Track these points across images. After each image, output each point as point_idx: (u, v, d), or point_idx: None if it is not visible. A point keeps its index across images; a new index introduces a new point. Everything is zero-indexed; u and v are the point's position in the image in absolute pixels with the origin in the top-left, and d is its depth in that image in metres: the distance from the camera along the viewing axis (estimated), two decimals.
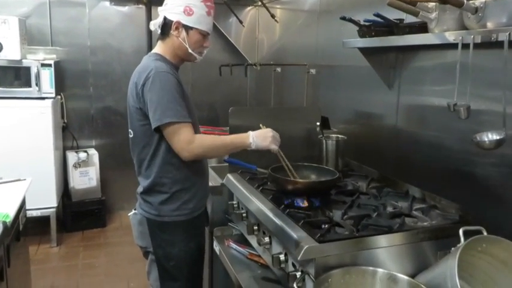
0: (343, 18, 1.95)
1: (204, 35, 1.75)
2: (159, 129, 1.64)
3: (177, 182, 1.74)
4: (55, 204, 3.52)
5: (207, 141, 1.69)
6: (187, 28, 1.71)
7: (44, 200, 3.44)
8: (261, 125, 1.81)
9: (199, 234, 1.87)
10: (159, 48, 1.80)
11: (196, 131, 1.78)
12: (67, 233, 3.78)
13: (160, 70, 1.64)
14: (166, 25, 1.74)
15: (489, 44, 1.32)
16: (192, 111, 1.75)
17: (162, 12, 1.75)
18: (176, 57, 1.78)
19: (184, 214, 1.77)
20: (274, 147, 1.73)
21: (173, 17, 1.71)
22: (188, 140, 1.63)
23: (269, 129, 1.75)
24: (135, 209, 1.86)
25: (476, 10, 1.34)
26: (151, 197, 1.76)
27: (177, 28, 1.71)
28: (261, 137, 1.71)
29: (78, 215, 3.82)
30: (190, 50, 1.74)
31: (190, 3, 1.69)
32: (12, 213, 1.83)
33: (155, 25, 1.78)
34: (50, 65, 3.48)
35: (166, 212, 1.75)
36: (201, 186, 1.83)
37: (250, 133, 1.72)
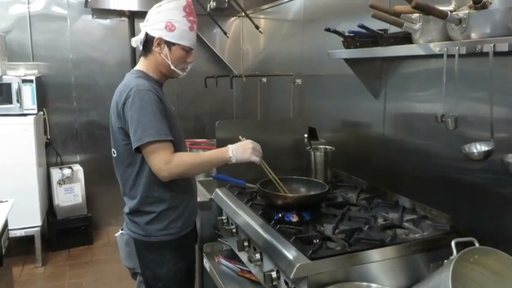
0: (328, 30, 1.95)
1: (187, 50, 1.73)
2: (139, 149, 1.61)
3: (163, 201, 1.70)
4: (39, 223, 3.43)
5: (186, 160, 1.64)
6: (169, 44, 1.69)
7: (28, 219, 3.35)
8: (240, 137, 1.77)
9: (188, 253, 1.82)
10: (141, 64, 1.77)
11: (182, 147, 1.75)
12: (52, 252, 3.68)
13: (140, 88, 1.61)
14: (148, 41, 1.71)
15: (474, 53, 1.33)
16: (175, 128, 1.72)
17: (144, 28, 1.72)
18: (159, 73, 1.75)
19: (172, 233, 1.73)
20: (256, 158, 1.69)
21: (155, 33, 1.69)
22: (166, 160, 1.58)
23: (249, 141, 1.71)
24: (122, 229, 1.82)
25: (460, 21, 1.34)
26: (137, 217, 1.72)
27: (159, 44, 1.69)
28: (241, 150, 1.67)
29: (64, 233, 3.73)
30: (172, 67, 1.72)
31: (172, 19, 1.67)
32: None
33: (136, 42, 1.76)
34: (31, 81, 3.41)
35: (153, 231, 1.71)
36: (189, 204, 1.79)
37: (230, 147, 1.68)
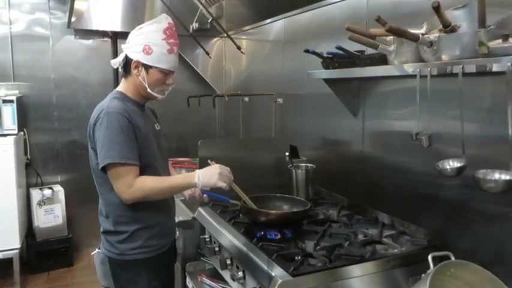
0: (307, 51, 2.01)
1: (165, 73, 1.73)
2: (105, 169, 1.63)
3: (136, 221, 1.70)
4: (18, 246, 3.34)
5: (149, 185, 1.63)
6: (146, 67, 1.70)
7: (6, 242, 3.27)
8: (209, 161, 1.76)
9: (164, 272, 1.81)
10: (122, 85, 1.79)
11: (160, 168, 1.76)
12: (31, 275, 3.59)
13: (110, 110, 1.63)
14: (127, 63, 1.73)
15: (445, 74, 1.39)
16: (151, 149, 1.73)
17: (125, 50, 1.74)
18: (138, 94, 1.77)
19: (146, 252, 1.72)
20: (222, 184, 1.65)
21: (133, 56, 1.70)
22: (128, 184, 1.59)
23: (217, 166, 1.68)
24: (99, 248, 1.81)
25: (431, 44, 1.41)
26: (111, 236, 1.72)
27: (136, 67, 1.70)
28: (207, 176, 1.64)
29: (43, 255, 3.65)
30: (149, 90, 1.72)
31: (150, 42, 1.68)
32: None
33: (115, 64, 1.77)
34: (11, 101, 3.38)
35: (126, 250, 1.70)
36: (165, 224, 1.79)
37: (197, 172, 1.66)
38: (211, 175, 1.64)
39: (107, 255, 1.73)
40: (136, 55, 1.69)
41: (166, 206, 1.82)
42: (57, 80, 3.92)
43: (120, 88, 1.79)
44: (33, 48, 3.82)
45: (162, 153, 1.84)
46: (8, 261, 3.32)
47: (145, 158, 1.68)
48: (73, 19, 3.67)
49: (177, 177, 1.77)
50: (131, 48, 1.71)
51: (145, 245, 1.72)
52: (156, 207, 1.74)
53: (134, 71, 1.71)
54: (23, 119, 3.70)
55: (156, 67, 1.70)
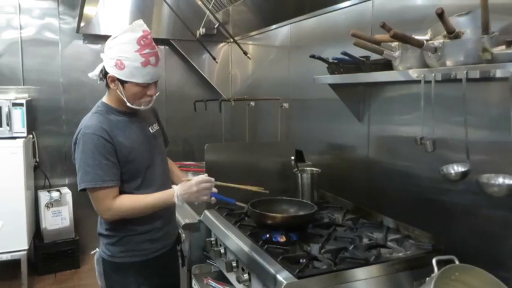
0: (313, 57, 2.04)
1: (143, 86, 1.65)
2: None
3: (123, 229, 1.71)
4: (26, 247, 3.39)
5: (126, 205, 1.64)
6: (122, 81, 1.63)
7: (14, 243, 3.31)
8: (188, 176, 1.74)
9: (156, 277, 1.79)
10: (106, 96, 1.75)
11: (153, 173, 1.74)
12: (39, 277, 3.63)
13: (86, 131, 1.62)
14: (106, 75, 1.66)
15: (449, 79, 1.41)
16: (139, 159, 1.70)
17: (103, 59, 1.67)
18: (124, 105, 1.70)
19: (136, 255, 1.72)
20: (205, 198, 1.66)
21: (108, 69, 1.63)
22: (105, 207, 1.62)
23: (192, 183, 1.64)
24: (99, 248, 1.85)
25: (435, 50, 1.43)
26: (103, 238, 1.76)
27: (112, 81, 1.64)
28: (187, 195, 1.64)
29: (51, 256, 3.68)
30: (128, 104, 1.67)
31: (122, 56, 1.59)
32: None
33: (93, 76, 1.70)
34: (21, 104, 3.44)
35: (116, 253, 1.72)
36: (159, 229, 1.78)
37: (175, 191, 1.65)
38: (189, 195, 1.63)
39: (101, 256, 1.77)
40: (110, 69, 1.62)
41: (162, 213, 1.77)
42: (66, 84, 3.97)
43: (104, 99, 1.75)
44: (43, 53, 3.88)
45: (158, 155, 1.81)
46: (16, 262, 3.36)
47: (132, 169, 1.68)
48: (82, 24, 3.72)
49: (156, 196, 1.69)
50: (106, 61, 1.64)
51: (135, 248, 1.72)
52: (149, 216, 1.72)
53: (111, 85, 1.66)
54: (32, 122, 3.76)
55: (131, 82, 1.63)
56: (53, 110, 3.95)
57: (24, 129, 3.45)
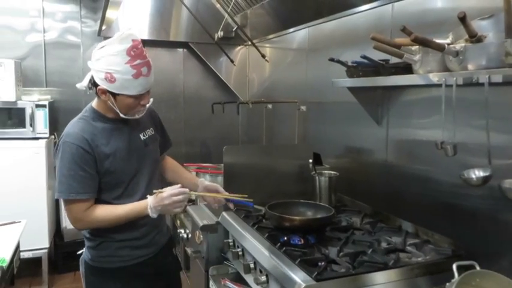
0: (332, 60, 2.04)
1: (136, 97, 1.59)
2: None
3: (102, 235, 1.69)
4: (47, 245, 3.47)
5: (98, 217, 1.61)
6: (113, 94, 1.57)
7: (36, 241, 3.39)
8: (154, 192, 1.65)
9: (135, 284, 1.75)
10: (95, 102, 1.68)
11: (139, 184, 1.71)
12: (58, 275, 3.71)
13: (66, 139, 1.58)
14: (95, 85, 1.58)
15: (471, 83, 1.40)
16: (119, 173, 1.65)
17: (91, 69, 1.59)
18: (112, 112, 1.64)
19: (115, 261, 1.70)
20: (177, 211, 1.63)
21: (98, 81, 1.55)
22: (77, 218, 1.60)
23: (165, 195, 1.61)
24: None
25: (457, 53, 1.42)
26: (86, 240, 1.75)
27: (103, 93, 1.58)
28: (160, 207, 1.61)
29: (70, 255, 3.72)
30: (121, 115, 1.62)
31: (111, 69, 1.51)
32: (8, 257, 1.82)
33: (81, 87, 1.63)
34: (44, 106, 3.52)
35: (96, 257, 1.72)
36: (139, 238, 1.74)
37: (148, 204, 1.62)
38: (162, 207, 1.61)
39: (84, 258, 1.77)
40: (100, 81, 1.55)
41: (146, 221, 1.73)
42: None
43: (94, 103, 1.68)
44: (65, 55, 3.98)
45: (147, 164, 1.76)
46: (37, 260, 3.44)
47: (113, 180, 1.65)
48: (103, 27, 3.79)
49: (129, 209, 1.65)
50: (94, 72, 1.57)
51: (113, 254, 1.70)
52: (131, 224, 1.69)
53: (102, 96, 1.60)
54: (54, 123, 3.84)
55: (123, 94, 1.57)
56: (74, 111, 3.94)
57: (47, 130, 3.54)
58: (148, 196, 1.65)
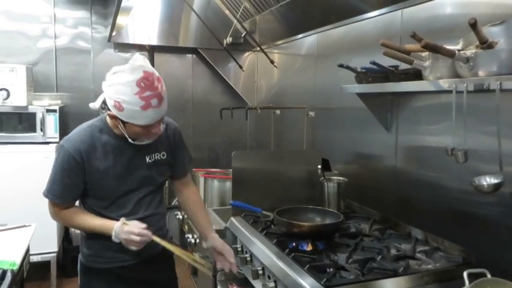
0: (341, 66, 2.04)
1: (145, 126, 1.55)
2: None
3: (88, 233, 1.72)
4: (56, 249, 3.49)
5: (68, 221, 1.71)
6: (122, 121, 1.54)
7: (45, 245, 3.40)
8: (123, 220, 1.62)
9: (128, 286, 1.74)
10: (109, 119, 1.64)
11: (121, 207, 1.67)
12: (67, 278, 3.71)
13: (64, 144, 1.61)
14: (107, 108, 1.58)
15: (482, 89, 1.39)
16: (105, 190, 1.65)
17: (104, 91, 1.58)
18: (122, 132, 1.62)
19: (99, 262, 1.71)
20: (133, 248, 1.59)
21: (109, 106, 1.54)
22: (52, 213, 1.69)
23: (125, 230, 1.57)
24: None
25: (467, 60, 1.41)
26: (81, 238, 1.79)
27: (113, 117, 1.56)
28: (120, 239, 1.58)
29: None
30: (130, 140, 1.60)
31: (119, 98, 1.48)
32: (18, 260, 1.84)
33: (94, 107, 1.63)
34: (54, 111, 3.56)
35: (85, 255, 1.75)
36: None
37: (114, 229, 1.58)
38: (121, 239, 1.59)
39: (79, 255, 1.80)
40: (110, 107, 1.53)
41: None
42: (97, 91, 4.04)
43: (109, 120, 1.64)
44: (76, 61, 4.02)
45: (147, 186, 1.72)
46: (45, 264, 3.46)
47: (101, 194, 1.66)
48: (113, 33, 3.84)
49: (97, 225, 1.64)
50: (106, 97, 1.55)
51: (98, 254, 1.71)
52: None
53: (112, 121, 1.60)
54: (64, 128, 3.87)
55: (131, 123, 1.54)
56: (84, 116, 3.97)
57: (57, 135, 3.57)
58: (121, 219, 1.62)
